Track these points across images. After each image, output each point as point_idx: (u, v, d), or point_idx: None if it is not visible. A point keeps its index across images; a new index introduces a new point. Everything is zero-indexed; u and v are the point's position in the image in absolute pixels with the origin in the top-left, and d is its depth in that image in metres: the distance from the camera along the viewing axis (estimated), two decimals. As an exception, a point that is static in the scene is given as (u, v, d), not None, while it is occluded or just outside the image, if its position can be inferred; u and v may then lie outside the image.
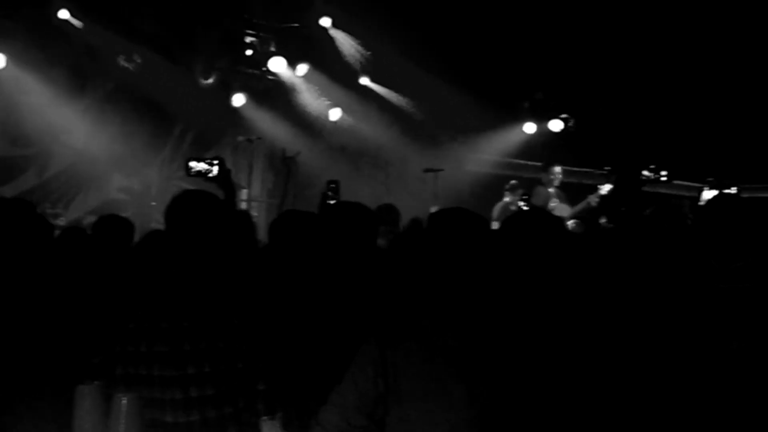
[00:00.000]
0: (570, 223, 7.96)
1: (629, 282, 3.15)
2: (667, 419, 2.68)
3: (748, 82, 10.64)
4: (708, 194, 6.49)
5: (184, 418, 2.63)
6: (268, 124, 11.90)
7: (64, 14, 10.05)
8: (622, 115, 11.37)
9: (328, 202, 5.73)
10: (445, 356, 2.21)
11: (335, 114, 12.18)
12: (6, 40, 9.65)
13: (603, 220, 6.75)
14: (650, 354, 2.75)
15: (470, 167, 12.52)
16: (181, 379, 2.63)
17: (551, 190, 9.37)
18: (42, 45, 10.00)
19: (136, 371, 2.66)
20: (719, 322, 2.75)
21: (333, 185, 5.96)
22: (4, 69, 9.70)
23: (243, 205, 11.10)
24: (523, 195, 8.77)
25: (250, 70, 11.73)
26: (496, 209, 9.47)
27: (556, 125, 12.14)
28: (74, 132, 10.51)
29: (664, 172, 5.66)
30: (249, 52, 11.47)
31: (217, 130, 12.05)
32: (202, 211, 2.83)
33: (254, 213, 11.02)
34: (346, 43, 12.07)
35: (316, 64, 11.87)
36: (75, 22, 10.15)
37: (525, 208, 7.92)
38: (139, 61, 10.51)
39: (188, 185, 3.41)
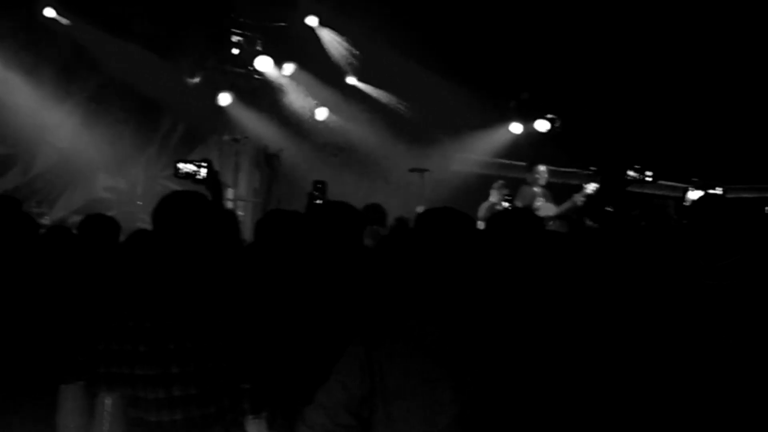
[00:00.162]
0: (555, 222, 7.96)
1: (615, 280, 3.19)
2: (653, 416, 2.70)
3: (733, 84, 10.69)
4: (693, 194, 6.53)
5: (168, 417, 2.63)
6: (254, 124, 11.87)
7: (50, 12, 9.97)
8: (608, 116, 11.41)
9: (314, 202, 5.74)
10: (432, 356, 2.21)
11: (322, 113, 12.17)
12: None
13: (588, 221, 6.78)
14: (637, 351, 2.78)
15: (457, 167, 12.53)
16: (164, 378, 2.62)
17: (536, 189, 9.36)
18: (28, 43, 9.93)
19: (119, 370, 2.65)
20: (706, 317, 2.80)
21: (320, 185, 5.97)
22: (-11, 68, 9.62)
23: (229, 205, 11.05)
24: (507, 195, 8.78)
25: (237, 69, 11.69)
26: (482, 209, 9.46)
27: (542, 125, 12.18)
28: (60, 131, 10.42)
29: (649, 173, 5.70)
30: (235, 51, 11.44)
31: (204, 129, 12.00)
32: (191, 213, 2.82)
33: (240, 212, 11.00)
34: (332, 42, 12.05)
35: (303, 64, 11.85)
36: (61, 20, 10.08)
37: (508, 207, 7.94)
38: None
39: (174, 185, 3.40)
